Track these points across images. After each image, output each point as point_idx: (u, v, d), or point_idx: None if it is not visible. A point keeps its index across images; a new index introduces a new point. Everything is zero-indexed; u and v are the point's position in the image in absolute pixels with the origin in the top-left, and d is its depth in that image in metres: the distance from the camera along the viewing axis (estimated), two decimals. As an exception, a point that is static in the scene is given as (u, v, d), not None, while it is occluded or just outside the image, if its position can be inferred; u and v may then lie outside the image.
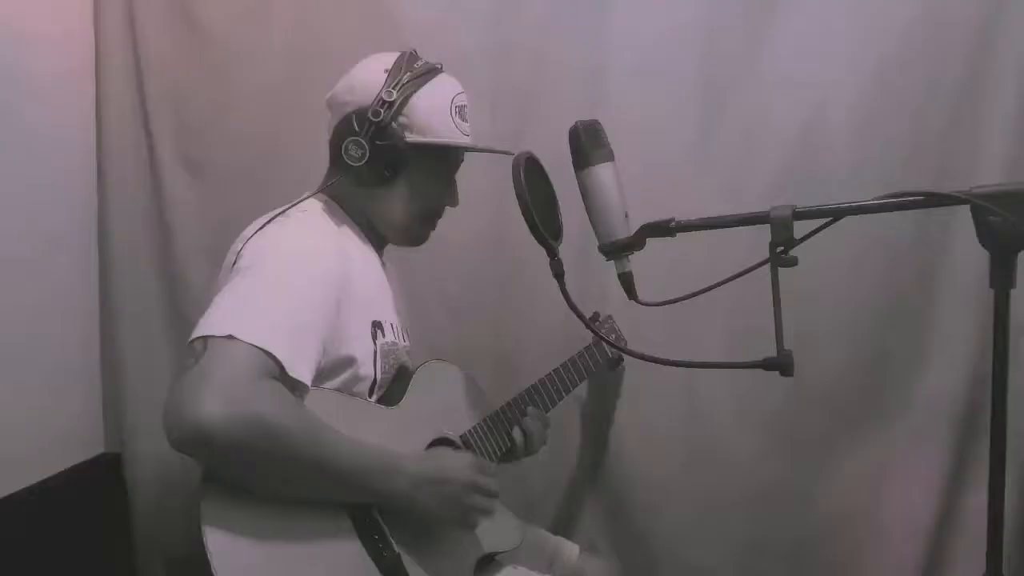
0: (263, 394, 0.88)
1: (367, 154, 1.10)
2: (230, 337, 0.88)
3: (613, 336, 1.57)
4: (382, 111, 1.10)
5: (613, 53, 1.61)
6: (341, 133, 1.12)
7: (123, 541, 1.74)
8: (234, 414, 0.83)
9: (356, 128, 1.10)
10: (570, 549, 1.44)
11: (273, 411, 0.88)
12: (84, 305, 1.73)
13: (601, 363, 1.51)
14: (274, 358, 0.90)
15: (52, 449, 1.60)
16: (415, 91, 1.13)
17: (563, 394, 1.43)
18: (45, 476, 1.55)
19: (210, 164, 1.76)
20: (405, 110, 1.13)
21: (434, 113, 1.15)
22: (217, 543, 0.87)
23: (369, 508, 1.03)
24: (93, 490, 1.69)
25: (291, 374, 0.92)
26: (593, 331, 0.93)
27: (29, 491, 1.49)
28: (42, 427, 1.56)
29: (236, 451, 0.85)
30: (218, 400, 0.83)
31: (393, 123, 1.12)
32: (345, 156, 1.10)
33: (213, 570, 0.86)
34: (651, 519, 1.66)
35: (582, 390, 1.66)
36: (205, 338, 0.88)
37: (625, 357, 1.61)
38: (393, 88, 1.11)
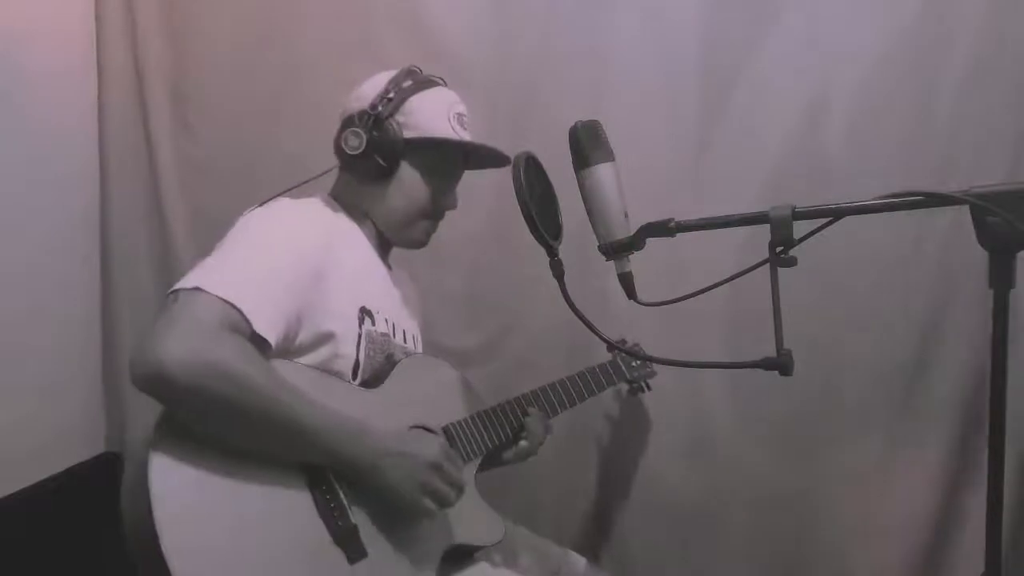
0: (224, 341, 0.92)
1: (364, 143, 1.14)
2: (197, 288, 0.93)
3: (635, 363, 1.54)
4: (380, 105, 1.16)
5: (613, 53, 1.61)
6: (340, 130, 1.18)
7: (122, 541, 1.74)
8: (194, 357, 0.88)
9: (356, 121, 1.16)
10: (575, 560, 1.43)
11: (233, 358, 0.91)
12: (85, 305, 1.73)
13: (616, 381, 1.49)
14: (238, 311, 0.94)
15: (52, 449, 1.60)
16: (414, 93, 1.18)
17: (568, 405, 1.41)
18: (45, 476, 1.55)
19: (210, 164, 1.76)
20: (403, 108, 1.17)
21: (432, 115, 1.19)
22: (161, 487, 0.88)
23: (326, 474, 1.03)
24: (93, 490, 1.68)
25: (255, 329, 0.95)
26: (594, 331, 0.93)
27: (29, 491, 1.49)
28: (42, 427, 1.56)
29: (195, 393, 0.88)
30: (180, 343, 0.88)
31: (391, 118, 1.16)
32: (344, 146, 1.15)
33: (151, 501, 0.87)
34: (653, 523, 1.66)
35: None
36: (176, 291, 0.94)
37: (648, 386, 1.59)
38: (392, 90, 1.17)
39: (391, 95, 1.16)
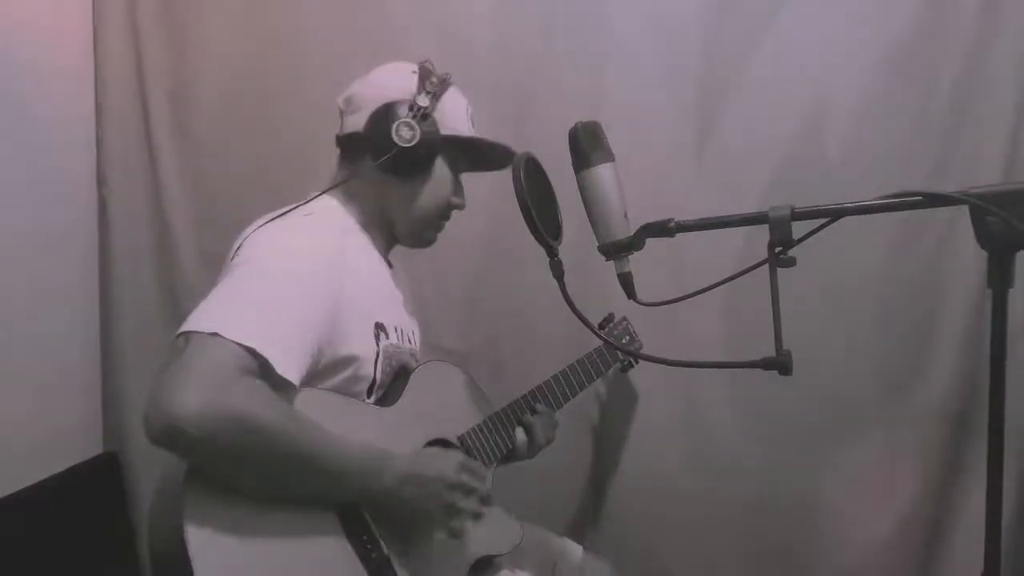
0: (240, 390, 0.87)
1: (417, 135, 1.12)
2: (215, 334, 0.87)
3: (626, 339, 1.56)
4: (428, 99, 1.13)
5: (613, 53, 1.61)
6: (381, 120, 1.12)
7: (122, 541, 1.74)
8: (209, 409, 0.83)
9: (399, 114, 1.12)
10: (573, 550, 1.43)
11: (250, 407, 0.87)
12: (84, 305, 1.73)
13: (612, 365, 1.50)
14: (259, 356, 0.90)
15: (52, 449, 1.60)
16: (445, 90, 1.17)
17: (571, 395, 1.42)
18: (45, 476, 1.55)
19: (211, 163, 1.76)
20: (439, 105, 1.16)
21: (458, 114, 1.20)
22: (198, 540, 0.87)
23: (358, 508, 1.03)
24: (92, 490, 1.69)
25: (281, 373, 0.92)
26: (593, 331, 0.93)
27: (29, 491, 1.49)
28: (42, 427, 1.56)
29: (212, 446, 0.85)
30: (194, 395, 0.83)
31: (435, 114, 1.15)
32: (396, 137, 1.11)
33: (193, 568, 0.85)
34: (652, 521, 1.67)
35: (582, 392, 1.66)
36: (188, 334, 0.88)
37: (638, 359, 1.60)
38: (428, 85, 1.15)
39: (434, 89, 1.14)
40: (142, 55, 1.73)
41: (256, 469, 0.91)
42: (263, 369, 0.91)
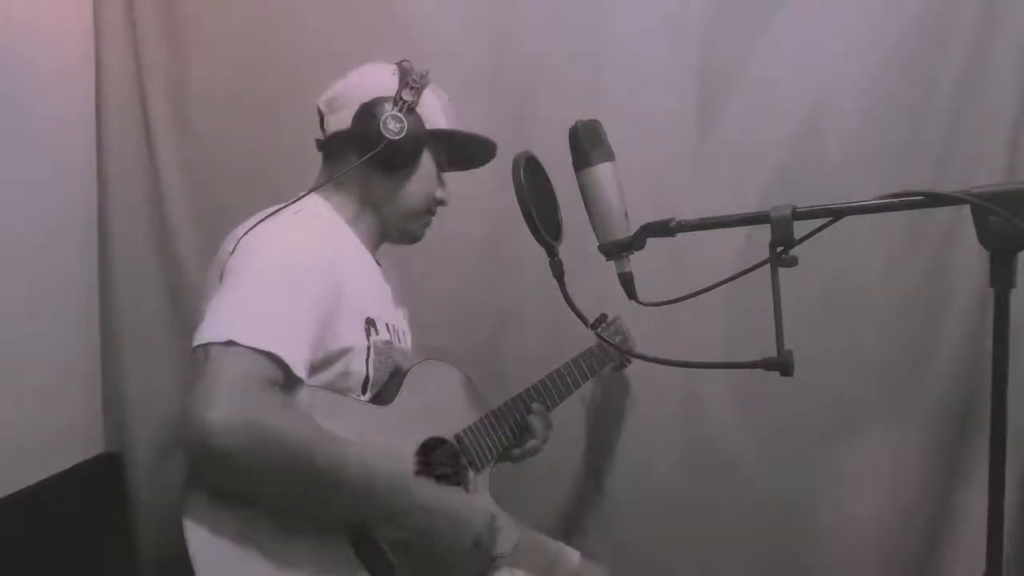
0: (267, 402, 0.89)
1: (405, 128, 1.12)
2: (230, 343, 0.89)
3: (619, 338, 1.56)
4: (412, 94, 1.15)
5: (613, 52, 1.61)
6: (368, 115, 1.13)
7: (123, 541, 1.74)
8: (239, 421, 0.85)
9: (386, 108, 1.13)
10: (570, 555, 1.43)
11: (277, 419, 0.89)
12: (84, 304, 1.73)
13: (606, 364, 1.51)
14: (277, 360, 0.91)
15: (52, 449, 1.59)
16: (426, 86, 1.19)
17: (565, 394, 1.43)
18: (45, 476, 1.55)
19: (210, 161, 1.75)
20: (421, 100, 1.17)
21: (439, 109, 1.21)
22: (199, 546, 0.87)
23: (365, 523, 1.03)
24: (93, 490, 1.68)
25: (296, 374, 0.94)
26: (594, 332, 0.93)
27: (29, 491, 1.49)
28: (42, 427, 1.56)
29: (241, 458, 0.86)
30: (224, 408, 0.84)
31: (418, 108, 1.16)
32: (384, 131, 1.12)
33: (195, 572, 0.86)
34: (650, 521, 1.66)
35: (582, 392, 1.66)
36: (207, 345, 0.89)
37: (632, 358, 1.60)
38: (410, 80, 1.16)
39: (418, 84, 1.16)
40: (142, 54, 1.73)
41: (279, 481, 0.92)
42: (281, 371, 0.93)
